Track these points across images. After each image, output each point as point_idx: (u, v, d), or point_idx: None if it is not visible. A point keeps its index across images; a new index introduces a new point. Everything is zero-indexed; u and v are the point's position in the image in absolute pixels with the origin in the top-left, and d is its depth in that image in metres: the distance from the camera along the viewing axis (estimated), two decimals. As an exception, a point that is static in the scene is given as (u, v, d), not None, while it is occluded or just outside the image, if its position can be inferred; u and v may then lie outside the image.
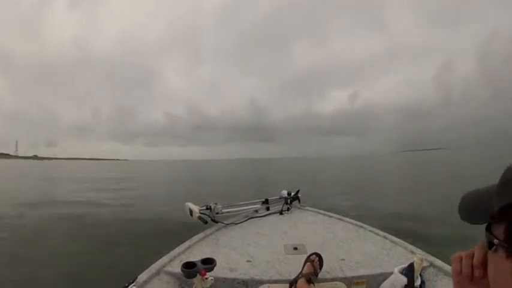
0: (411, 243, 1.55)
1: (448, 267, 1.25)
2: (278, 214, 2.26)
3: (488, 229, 0.51)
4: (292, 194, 2.45)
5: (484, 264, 0.50)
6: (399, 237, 1.64)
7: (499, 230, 0.51)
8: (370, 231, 1.79)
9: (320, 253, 1.32)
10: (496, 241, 0.51)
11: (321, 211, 2.31)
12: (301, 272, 1.22)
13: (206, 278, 1.08)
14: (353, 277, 1.25)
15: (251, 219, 2.09)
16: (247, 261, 1.41)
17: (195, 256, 1.33)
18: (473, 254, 0.50)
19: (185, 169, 36.04)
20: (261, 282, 1.23)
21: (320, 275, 1.25)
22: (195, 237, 1.68)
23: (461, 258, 0.49)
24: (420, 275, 1.20)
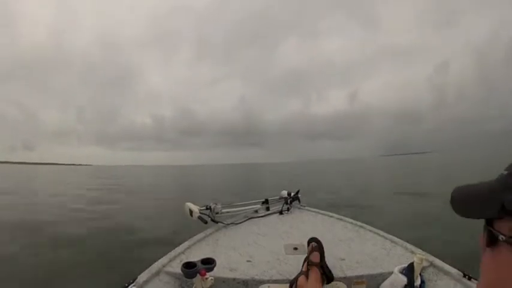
0: (411, 243, 1.55)
1: (448, 267, 1.26)
2: (278, 214, 2.26)
3: (490, 224, 0.50)
4: (292, 194, 2.45)
5: None
6: (399, 237, 1.64)
7: (505, 226, 0.50)
8: (370, 231, 1.78)
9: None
10: (501, 237, 0.50)
11: (321, 211, 2.30)
12: (301, 270, 1.22)
13: (206, 278, 1.08)
14: (353, 277, 1.25)
15: (251, 219, 2.09)
16: (247, 261, 1.40)
17: (195, 256, 1.33)
18: None
19: (167, 176, 32.22)
20: (261, 282, 1.23)
21: None
22: (195, 237, 1.67)
23: None
24: (420, 274, 1.20)
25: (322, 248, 1.30)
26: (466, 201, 0.51)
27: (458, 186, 0.51)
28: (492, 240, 0.50)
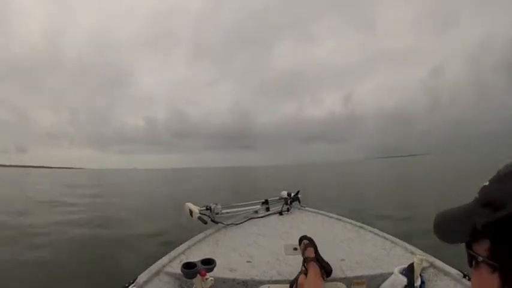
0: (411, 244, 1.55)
1: (448, 268, 1.26)
2: (278, 215, 2.26)
3: (469, 247, 0.54)
4: (292, 194, 2.46)
5: None
6: (399, 238, 1.64)
7: (482, 247, 0.54)
8: (370, 231, 1.79)
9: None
10: (479, 258, 0.54)
11: (321, 211, 2.31)
12: (301, 270, 1.22)
13: (206, 279, 1.08)
14: (353, 277, 1.25)
15: (251, 220, 2.09)
16: (247, 261, 1.41)
17: (195, 256, 1.33)
18: None
19: (158, 180, 28.64)
20: (261, 283, 1.23)
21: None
22: (195, 238, 1.67)
23: None
24: (420, 275, 1.20)
25: (314, 243, 1.33)
26: (445, 226, 0.54)
27: (439, 212, 0.54)
28: (473, 262, 0.54)
